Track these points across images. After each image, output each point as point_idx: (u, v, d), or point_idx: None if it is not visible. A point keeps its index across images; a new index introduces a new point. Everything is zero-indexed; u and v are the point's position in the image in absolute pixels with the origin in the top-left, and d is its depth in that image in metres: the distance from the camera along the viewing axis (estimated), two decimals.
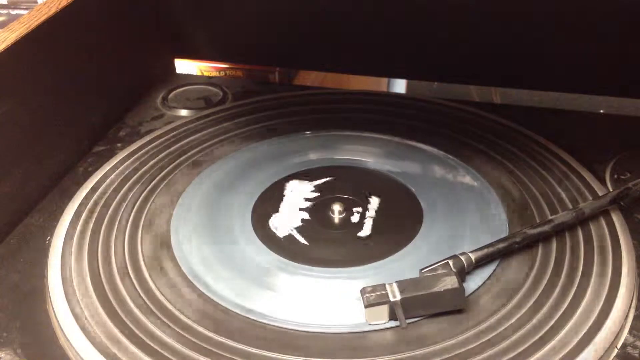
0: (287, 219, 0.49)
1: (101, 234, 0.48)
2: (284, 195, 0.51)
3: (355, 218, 0.49)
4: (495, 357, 0.38)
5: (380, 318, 0.40)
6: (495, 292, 0.42)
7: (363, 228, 0.48)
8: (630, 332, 0.40)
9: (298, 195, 0.51)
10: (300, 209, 0.50)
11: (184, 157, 0.56)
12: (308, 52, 0.70)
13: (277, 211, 0.50)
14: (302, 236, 0.47)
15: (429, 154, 0.56)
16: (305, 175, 0.53)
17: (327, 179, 0.53)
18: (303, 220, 0.49)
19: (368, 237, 0.47)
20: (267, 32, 0.69)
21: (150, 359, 0.38)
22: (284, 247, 0.46)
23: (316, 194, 0.51)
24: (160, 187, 0.53)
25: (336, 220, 0.49)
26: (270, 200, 0.51)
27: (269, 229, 0.48)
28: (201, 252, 0.46)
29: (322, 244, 0.47)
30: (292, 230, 0.48)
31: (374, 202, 0.51)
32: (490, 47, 0.64)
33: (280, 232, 0.48)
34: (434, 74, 0.70)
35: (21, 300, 0.43)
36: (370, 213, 0.49)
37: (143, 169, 0.54)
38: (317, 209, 0.50)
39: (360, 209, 0.50)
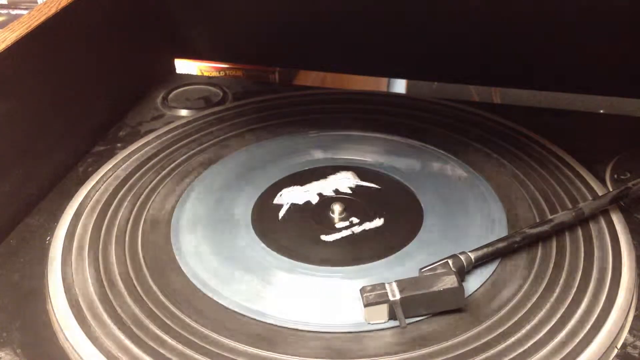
0: (295, 197, 0.50)
1: (101, 234, 0.48)
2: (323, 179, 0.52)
3: (355, 218, 0.49)
4: (495, 357, 0.38)
5: (379, 317, 0.40)
6: (495, 292, 0.42)
7: (363, 228, 0.48)
8: (630, 332, 0.40)
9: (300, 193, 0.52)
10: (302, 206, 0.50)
11: (183, 157, 0.56)
12: (308, 52, 0.70)
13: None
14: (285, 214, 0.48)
15: (429, 154, 0.56)
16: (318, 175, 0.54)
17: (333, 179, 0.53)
18: (303, 209, 0.49)
19: (368, 237, 0.47)
20: (267, 32, 0.69)
21: (150, 358, 0.38)
22: (284, 246, 0.46)
23: (317, 196, 0.51)
24: (160, 187, 0.53)
25: (336, 220, 0.49)
26: (272, 199, 0.51)
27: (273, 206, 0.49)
28: (201, 252, 0.46)
29: (322, 243, 0.47)
30: (285, 204, 0.49)
31: (374, 202, 0.51)
32: (490, 47, 0.64)
33: (278, 200, 0.49)
34: (434, 74, 0.70)
35: (21, 300, 0.43)
36: (371, 213, 0.49)
37: (143, 169, 0.54)
38: (317, 208, 0.50)
39: (360, 208, 0.50)
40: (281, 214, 0.48)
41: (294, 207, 0.50)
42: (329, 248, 0.46)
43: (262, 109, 0.63)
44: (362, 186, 0.52)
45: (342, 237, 0.47)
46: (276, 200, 0.49)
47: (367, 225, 0.48)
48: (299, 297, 0.42)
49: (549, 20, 0.61)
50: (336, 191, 0.51)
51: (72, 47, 0.55)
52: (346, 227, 0.48)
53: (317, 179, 0.52)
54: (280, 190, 0.52)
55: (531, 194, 0.51)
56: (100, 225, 0.49)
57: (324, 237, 0.47)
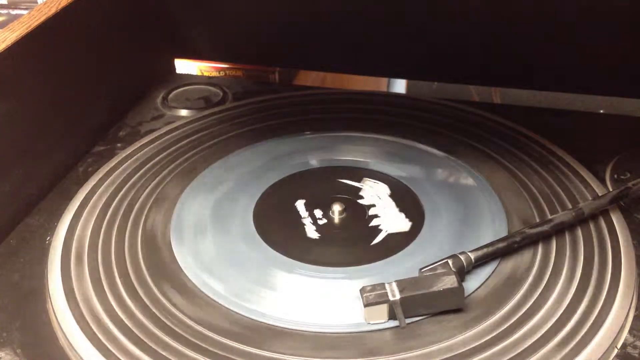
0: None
1: (101, 233, 0.48)
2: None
3: (355, 218, 0.49)
4: (495, 357, 0.38)
5: (379, 317, 0.40)
6: (495, 292, 0.42)
7: (364, 228, 0.48)
8: (630, 332, 0.40)
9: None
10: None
11: (184, 157, 0.56)
12: (308, 52, 0.70)
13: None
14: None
15: (429, 154, 0.56)
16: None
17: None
18: (303, 219, 0.49)
19: (368, 236, 0.47)
20: (267, 32, 0.69)
21: (149, 358, 0.38)
22: (284, 246, 0.46)
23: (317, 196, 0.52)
24: (160, 187, 0.53)
25: (336, 220, 0.49)
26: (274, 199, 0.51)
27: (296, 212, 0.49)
28: (201, 251, 0.46)
29: (322, 243, 0.47)
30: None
31: (375, 201, 0.51)
32: (490, 47, 0.64)
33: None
34: (434, 74, 0.70)
35: (21, 300, 0.43)
36: (371, 213, 0.49)
37: (143, 169, 0.54)
38: (317, 208, 0.50)
39: (360, 209, 0.50)
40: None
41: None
42: (329, 248, 0.46)
43: (262, 109, 0.63)
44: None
45: (343, 237, 0.47)
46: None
47: (368, 225, 0.48)
48: (299, 297, 0.42)
49: (549, 20, 0.61)
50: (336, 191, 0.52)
51: (72, 47, 0.55)
52: (346, 227, 0.48)
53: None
54: (279, 190, 0.52)
55: (531, 194, 0.51)
56: (100, 225, 0.49)
57: (323, 237, 0.47)
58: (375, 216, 0.49)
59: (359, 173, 0.54)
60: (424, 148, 0.56)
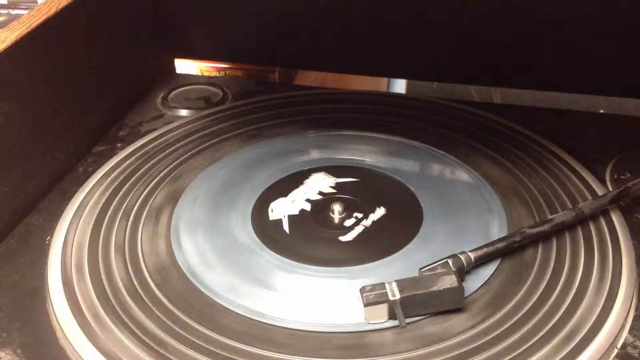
0: (288, 208, 0.50)
1: (101, 233, 0.48)
2: (301, 184, 0.52)
3: (355, 218, 0.49)
4: (495, 357, 0.38)
5: (379, 317, 0.40)
6: (495, 292, 0.42)
7: (363, 228, 0.48)
8: (630, 332, 0.40)
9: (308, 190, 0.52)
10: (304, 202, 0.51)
11: (184, 157, 0.56)
12: (308, 52, 0.70)
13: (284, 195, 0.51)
14: (290, 226, 0.48)
15: (429, 154, 0.56)
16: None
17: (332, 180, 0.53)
18: (302, 217, 0.49)
19: (368, 237, 0.47)
20: (267, 32, 0.69)
21: (150, 358, 0.38)
22: (284, 246, 0.46)
23: (318, 194, 0.51)
24: (160, 187, 0.53)
25: (336, 220, 0.49)
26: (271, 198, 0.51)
27: (265, 214, 0.49)
28: (202, 252, 0.46)
29: (322, 243, 0.47)
30: (284, 217, 0.48)
31: (374, 201, 0.51)
32: (490, 47, 0.64)
33: (273, 216, 0.49)
34: (434, 74, 0.70)
35: (21, 300, 0.43)
36: (371, 213, 0.49)
37: (143, 169, 0.54)
38: (318, 208, 0.50)
39: (360, 209, 0.50)
40: (285, 228, 0.48)
41: (291, 217, 0.49)
42: (328, 248, 0.46)
43: (262, 109, 0.63)
44: (341, 182, 0.52)
45: (358, 234, 0.47)
46: (272, 217, 0.49)
47: (373, 217, 0.48)
48: (299, 297, 0.42)
49: (548, 20, 0.61)
50: (320, 193, 0.51)
51: (72, 47, 0.55)
52: (355, 224, 0.48)
53: (296, 186, 0.52)
54: (272, 199, 0.51)
55: (531, 194, 0.51)
56: (100, 226, 0.49)
57: (323, 237, 0.47)
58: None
59: (358, 173, 0.54)
60: (424, 148, 0.56)
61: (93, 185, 0.52)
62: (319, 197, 0.51)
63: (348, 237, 0.47)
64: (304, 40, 0.69)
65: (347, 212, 0.49)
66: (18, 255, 0.47)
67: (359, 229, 0.48)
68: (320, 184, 0.52)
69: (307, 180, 0.52)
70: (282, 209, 0.50)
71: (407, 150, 0.56)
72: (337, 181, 0.53)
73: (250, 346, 0.39)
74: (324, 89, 0.70)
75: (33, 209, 0.51)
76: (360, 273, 0.44)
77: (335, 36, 0.67)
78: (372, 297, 0.39)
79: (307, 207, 0.50)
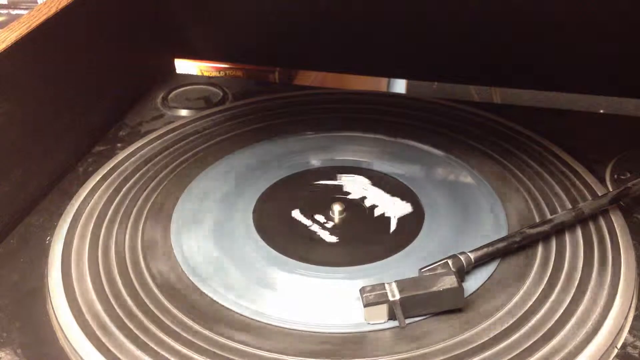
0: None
1: (101, 234, 0.48)
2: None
3: (355, 218, 0.49)
4: (495, 357, 0.38)
5: (379, 317, 0.40)
6: (495, 292, 0.42)
7: (364, 228, 0.48)
8: (630, 332, 0.40)
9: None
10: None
11: (184, 157, 0.56)
12: (308, 52, 0.70)
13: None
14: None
15: (429, 154, 0.56)
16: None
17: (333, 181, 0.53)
18: (302, 219, 0.49)
19: (368, 237, 0.47)
20: (267, 32, 0.69)
21: (149, 358, 0.38)
22: (284, 246, 0.46)
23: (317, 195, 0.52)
24: (160, 187, 0.53)
25: (336, 220, 0.49)
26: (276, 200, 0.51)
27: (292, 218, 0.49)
28: (202, 252, 0.46)
29: (323, 243, 0.47)
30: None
31: (375, 201, 0.51)
32: (490, 47, 0.64)
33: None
34: (434, 74, 0.70)
35: (21, 300, 0.43)
36: (371, 213, 0.49)
37: (143, 169, 0.54)
38: (317, 208, 0.50)
39: (360, 209, 0.50)
40: (288, 228, 0.48)
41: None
42: (329, 248, 0.46)
43: (262, 109, 0.63)
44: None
45: (344, 237, 0.47)
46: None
47: (368, 225, 0.48)
48: (299, 297, 0.42)
49: (548, 20, 0.61)
50: (335, 191, 0.52)
51: (72, 47, 0.55)
52: (347, 227, 0.48)
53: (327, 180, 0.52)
54: (273, 199, 0.51)
55: (531, 194, 0.51)
56: (100, 226, 0.49)
57: (342, 238, 0.47)
58: (374, 206, 0.49)
59: (359, 173, 0.54)
60: (424, 148, 0.56)
61: (93, 186, 0.52)
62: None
63: (347, 237, 0.47)
64: (304, 40, 0.69)
65: (347, 212, 0.49)
66: (18, 255, 0.47)
67: (359, 229, 0.48)
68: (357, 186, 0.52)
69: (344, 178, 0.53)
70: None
71: (407, 150, 0.56)
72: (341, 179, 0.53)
73: (250, 346, 0.39)
74: (324, 89, 0.70)
75: (33, 209, 0.51)
76: (360, 273, 0.44)
77: (335, 36, 0.67)
78: (372, 297, 0.39)
79: (306, 213, 0.50)
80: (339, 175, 0.53)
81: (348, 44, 0.67)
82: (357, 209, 0.50)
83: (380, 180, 0.53)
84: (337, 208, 0.49)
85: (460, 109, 0.62)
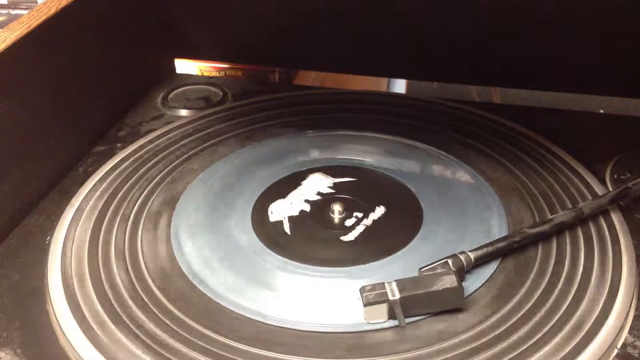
0: (288, 209, 0.50)
1: (101, 234, 0.48)
2: (299, 186, 0.52)
3: (355, 217, 0.49)
4: (495, 357, 0.38)
5: (379, 317, 0.40)
6: (495, 292, 0.42)
7: (364, 227, 0.48)
8: (630, 332, 0.40)
9: (308, 190, 0.52)
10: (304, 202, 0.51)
11: (184, 157, 0.56)
12: (308, 52, 0.70)
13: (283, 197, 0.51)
14: (290, 227, 0.48)
15: (429, 154, 0.56)
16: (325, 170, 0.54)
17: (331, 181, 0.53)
18: (302, 218, 0.49)
19: (368, 237, 0.47)
20: (267, 32, 0.69)
21: (150, 358, 0.38)
22: (284, 246, 0.46)
23: (317, 195, 0.51)
24: (160, 187, 0.53)
25: (336, 220, 0.49)
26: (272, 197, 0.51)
27: (266, 215, 0.49)
28: (202, 252, 0.46)
29: (322, 243, 0.47)
30: (284, 219, 0.48)
31: (374, 201, 0.51)
32: (490, 47, 0.64)
33: (273, 217, 0.49)
34: (434, 74, 0.70)
35: (21, 300, 0.43)
36: (371, 213, 0.49)
37: (143, 169, 0.54)
38: (317, 208, 0.50)
39: (360, 209, 0.50)
40: (287, 229, 0.48)
41: (291, 218, 0.49)
42: (328, 248, 0.46)
43: (262, 109, 0.63)
44: (339, 182, 0.52)
45: (360, 233, 0.47)
46: (272, 218, 0.49)
47: (373, 216, 0.48)
48: (299, 297, 0.42)
49: (549, 20, 0.61)
50: (319, 193, 0.51)
51: (72, 47, 0.55)
52: (356, 223, 0.48)
53: (294, 187, 0.52)
54: (273, 199, 0.51)
55: (531, 194, 0.51)
56: (100, 226, 0.49)
57: (343, 238, 0.47)
58: (374, 205, 0.50)
59: (359, 173, 0.54)
60: (424, 148, 0.56)
61: (93, 185, 0.52)
62: (318, 197, 0.51)
63: (348, 237, 0.47)
64: (304, 40, 0.69)
65: (347, 212, 0.49)
66: (18, 255, 0.47)
67: (359, 229, 0.48)
68: (318, 184, 0.52)
69: (304, 182, 0.52)
70: (281, 211, 0.50)
71: (407, 150, 0.56)
72: (334, 181, 0.53)
73: (250, 346, 0.39)
74: (324, 89, 0.70)
75: (33, 209, 0.51)
76: (360, 273, 0.44)
77: (335, 36, 0.67)
78: (372, 297, 0.39)
79: (307, 207, 0.50)
80: (336, 175, 0.53)
81: (348, 44, 0.67)
82: (357, 208, 0.50)
83: (380, 180, 0.53)
84: (337, 208, 0.49)
85: (460, 109, 0.62)
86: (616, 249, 0.45)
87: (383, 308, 0.40)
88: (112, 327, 0.40)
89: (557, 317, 0.40)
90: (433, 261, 0.42)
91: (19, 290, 0.44)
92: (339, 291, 0.43)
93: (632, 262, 0.44)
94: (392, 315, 0.40)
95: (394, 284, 0.40)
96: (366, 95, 0.66)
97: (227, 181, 0.53)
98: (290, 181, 0.53)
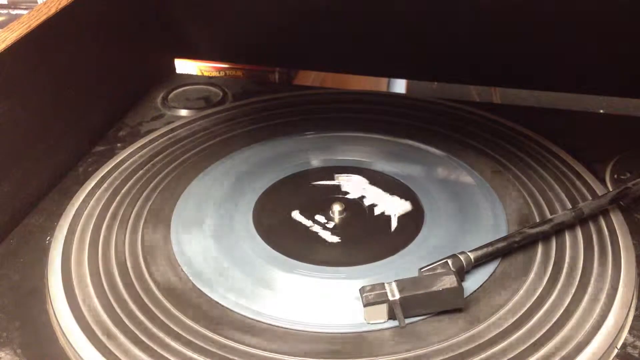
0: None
1: (101, 234, 0.48)
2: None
3: (355, 217, 0.49)
4: (495, 357, 0.38)
5: (379, 317, 0.40)
6: (495, 292, 0.42)
7: (364, 228, 0.48)
8: (630, 332, 0.40)
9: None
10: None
11: (184, 157, 0.56)
12: (308, 52, 0.70)
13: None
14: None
15: (429, 154, 0.56)
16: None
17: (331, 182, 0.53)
18: (302, 218, 0.49)
19: (368, 236, 0.47)
20: (267, 32, 0.69)
21: (149, 358, 0.38)
22: (284, 246, 0.46)
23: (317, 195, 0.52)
24: (160, 187, 0.53)
25: (336, 220, 0.49)
26: (278, 199, 0.51)
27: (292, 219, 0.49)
28: (202, 252, 0.46)
29: (322, 243, 0.47)
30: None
31: (374, 200, 0.51)
32: (490, 47, 0.64)
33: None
34: (434, 74, 0.70)
35: (21, 300, 0.43)
36: (371, 212, 0.49)
37: (143, 169, 0.54)
38: (317, 208, 0.50)
39: (360, 209, 0.50)
40: (287, 228, 0.48)
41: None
42: (328, 248, 0.46)
43: (262, 109, 0.63)
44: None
45: (343, 237, 0.47)
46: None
47: (368, 225, 0.48)
48: (299, 297, 0.42)
49: (549, 20, 0.61)
50: (335, 191, 0.52)
51: (72, 47, 0.55)
52: (346, 227, 0.48)
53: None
54: (273, 199, 0.51)
55: (531, 194, 0.51)
56: (100, 226, 0.49)
57: (342, 238, 0.47)
58: (374, 205, 0.49)
59: (358, 173, 0.54)
60: (424, 148, 0.56)
61: (93, 185, 0.52)
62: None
63: (347, 236, 0.47)
64: (304, 40, 0.69)
65: (347, 212, 0.49)
66: (18, 255, 0.47)
67: (359, 229, 0.48)
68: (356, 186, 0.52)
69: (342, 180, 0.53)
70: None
71: (407, 151, 0.56)
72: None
73: (249, 346, 0.39)
74: (324, 89, 0.70)
75: (33, 209, 0.51)
76: (360, 273, 0.44)
77: (335, 36, 0.67)
78: (372, 297, 0.39)
79: (306, 213, 0.50)
80: (336, 175, 0.53)
81: (348, 44, 0.67)
82: (357, 208, 0.50)
83: (380, 180, 0.53)
84: (337, 208, 0.49)
85: (460, 109, 0.62)
86: (616, 249, 0.45)
87: (383, 308, 0.40)
88: (112, 326, 0.40)
89: (556, 317, 0.40)
90: (433, 261, 0.42)
91: (19, 290, 0.44)
92: (339, 291, 0.43)
93: (631, 262, 0.44)
94: (392, 316, 0.40)
95: (393, 284, 0.40)
96: (366, 95, 0.66)
97: (228, 181, 0.53)
98: (293, 181, 0.53)
